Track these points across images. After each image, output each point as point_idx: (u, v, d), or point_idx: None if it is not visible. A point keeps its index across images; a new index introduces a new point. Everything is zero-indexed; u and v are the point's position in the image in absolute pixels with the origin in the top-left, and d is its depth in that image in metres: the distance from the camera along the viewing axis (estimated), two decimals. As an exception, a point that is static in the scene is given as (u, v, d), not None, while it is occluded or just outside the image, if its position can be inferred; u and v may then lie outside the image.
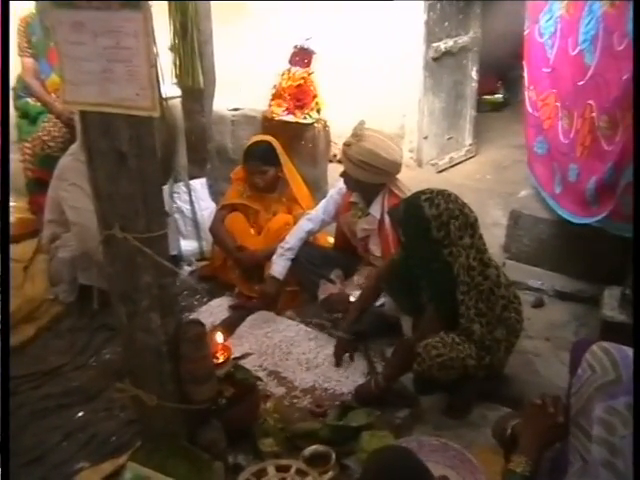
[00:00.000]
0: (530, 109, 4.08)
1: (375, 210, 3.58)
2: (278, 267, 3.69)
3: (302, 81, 4.61)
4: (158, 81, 2.09)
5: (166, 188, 4.22)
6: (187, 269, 4.27)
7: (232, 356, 2.87)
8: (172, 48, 4.23)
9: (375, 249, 3.63)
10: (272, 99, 4.75)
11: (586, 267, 3.77)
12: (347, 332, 3.36)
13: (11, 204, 4.94)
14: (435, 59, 5.36)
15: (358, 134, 3.48)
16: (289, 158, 4.12)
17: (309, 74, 4.64)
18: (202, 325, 2.53)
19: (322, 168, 4.86)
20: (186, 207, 4.46)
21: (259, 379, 3.08)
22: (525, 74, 4.15)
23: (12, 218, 4.76)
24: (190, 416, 2.54)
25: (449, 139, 5.81)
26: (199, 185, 4.56)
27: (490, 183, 5.39)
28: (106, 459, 2.74)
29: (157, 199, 2.32)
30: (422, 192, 2.86)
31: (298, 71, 4.62)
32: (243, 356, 3.29)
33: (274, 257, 3.72)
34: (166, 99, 3.98)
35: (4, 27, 3.41)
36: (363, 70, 5.40)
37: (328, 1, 5.24)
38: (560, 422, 1.94)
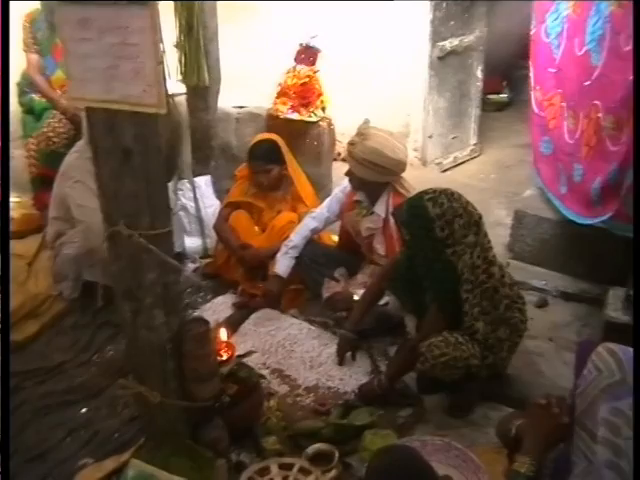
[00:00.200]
0: (536, 109, 4.07)
1: (380, 209, 3.58)
2: (282, 265, 3.69)
3: (307, 79, 4.61)
4: (164, 78, 2.08)
5: (170, 185, 4.22)
6: (191, 266, 4.26)
7: (236, 354, 2.87)
8: (177, 45, 4.22)
9: (379, 248, 3.63)
10: (277, 97, 4.74)
11: (590, 267, 3.76)
12: (350, 331, 3.36)
13: (15, 200, 4.97)
14: (440, 58, 5.35)
15: (363, 133, 3.48)
16: (294, 156, 4.11)
17: (314, 72, 4.63)
18: (206, 323, 2.53)
19: (327, 166, 4.86)
20: (190, 204, 4.46)
21: (262, 377, 3.08)
22: (531, 74, 4.14)
23: (16, 214, 4.76)
24: (193, 414, 2.55)
25: (454, 138, 5.80)
26: (203, 183, 4.56)
27: (494, 182, 5.38)
28: (109, 456, 2.74)
29: (162, 196, 2.32)
30: (425, 192, 2.85)
31: (303, 69, 4.62)
32: (246, 354, 3.29)
33: (278, 255, 3.72)
34: (172, 96, 3.98)
35: (4, 27, 3.41)
36: (368, 69, 5.40)
37: (335, 0, 5.23)
38: (565, 422, 1.93)
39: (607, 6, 3.14)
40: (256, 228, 4.04)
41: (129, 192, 2.19)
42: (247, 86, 5.18)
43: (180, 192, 4.44)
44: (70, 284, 3.80)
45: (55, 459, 2.79)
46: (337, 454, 2.65)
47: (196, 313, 3.70)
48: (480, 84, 5.83)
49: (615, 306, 3.23)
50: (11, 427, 2.87)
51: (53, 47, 4.53)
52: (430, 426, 2.90)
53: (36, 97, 4.73)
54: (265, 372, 3.25)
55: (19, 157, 4.89)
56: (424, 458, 1.91)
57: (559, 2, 3.66)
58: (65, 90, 4.55)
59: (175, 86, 4.21)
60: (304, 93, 4.64)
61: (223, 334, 2.86)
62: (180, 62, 4.27)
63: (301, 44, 4.62)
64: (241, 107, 5.09)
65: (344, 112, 4.86)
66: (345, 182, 3.69)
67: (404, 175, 3.61)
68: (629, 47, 2.92)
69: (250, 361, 3.20)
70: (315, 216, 3.78)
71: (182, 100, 4.53)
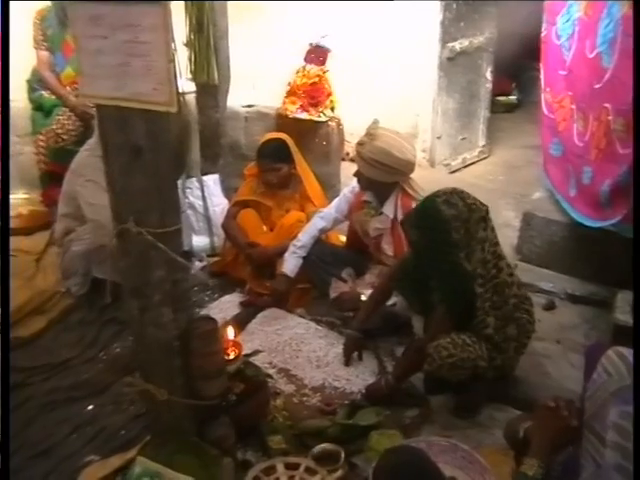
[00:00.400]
0: (546, 111, 4.07)
1: (388, 209, 3.58)
2: (289, 265, 3.69)
3: (317, 79, 4.61)
4: (175, 76, 2.08)
5: (179, 184, 4.22)
6: (198, 265, 4.27)
7: (243, 353, 2.87)
8: (188, 44, 4.23)
9: (387, 248, 3.63)
10: (286, 96, 4.75)
11: (598, 270, 3.75)
12: (357, 330, 3.36)
13: (24, 197, 4.99)
14: (450, 59, 5.34)
15: (372, 133, 3.47)
16: (302, 156, 4.12)
17: (324, 72, 4.63)
18: (214, 321, 2.53)
19: (335, 166, 4.86)
20: (198, 203, 4.47)
21: (269, 376, 3.08)
22: (541, 76, 4.14)
23: (24, 210, 4.79)
24: (199, 411, 2.54)
25: (462, 139, 5.79)
26: (212, 181, 4.56)
27: (502, 184, 5.37)
28: (114, 453, 2.74)
29: (172, 194, 2.33)
30: (436, 195, 2.83)
31: (313, 69, 4.62)
32: (253, 353, 3.28)
33: (286, 255, 3.72)
34: (182, 94, 3.98)
35: (4, 27, 3.41)
36: (377, 69, 5.40)
37: (344, 0, 5.23)
38: (573, 425, 1.93)
39: (619, 8, 3.12)
40: (264, 227, 4.04)
41: (139, 189, 2.18)
42: (257, 85, 5.18)
43: (188, 190, 4.45)
44: (78, 280, 3.80)
45: (60, 455, 2.78)
46: (343, 454, 2.64)
47: (203, 311, 3.70)
48: (489, 85, 5.82)
49: (623, 309, 3.22)
50: (17, 422, 2.89)
51: (63, 44, 4.55)
52: (436, 427, 2.89)
53: (45, 94, 4.75)
54: (271, 371, 3.25)
55: (28, 153, 4.90)
56: (431, 459, 1.91)
57: (570, 4, 3.65)
58: (74, 87, 4.57)
59: (185, 84, 4.21)
60: (313, 93, 4.63)
61: (230, 333, 2.86)
62: (190, 60, 4.28)
63: (311, 44, 4.62)
64: (250, 106, 5.09)
65: (353, 112, 4.86)
66: (353, 182, 3.69)
67: (412, 176, 3.60)
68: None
69: (256, 360, 3.19)
70: (323, 216, 3.78)
71: (191, 98, 4.54)
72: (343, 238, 4.06)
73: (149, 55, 2.01)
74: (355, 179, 3.64)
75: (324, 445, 2.68)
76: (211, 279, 4.08)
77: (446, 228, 2.74)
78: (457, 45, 5.35)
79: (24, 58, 4.67)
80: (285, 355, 3.42)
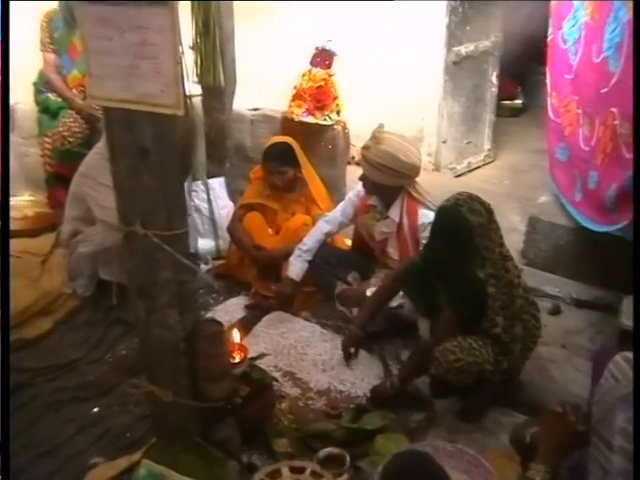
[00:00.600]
0: (552, 115, 4.07)
1: (394, 213, 3.57)
2: (295, 268, 3.69)
3: (323, 82, 4.61)
4: (182, 79, 2.08)
5: (185, 186, 4.23)
6: (203, 267, 4.26)
7: (248, 356, 2.87)
8: (194, 46, 4.23)
9: (393, 252, 3.62)
10: (292, 100, 4.74)
11: (604, 275, 3.75)
12: (358, 327, 3.36)
13: (30, 199, 5.00)
14: (455, 63, 5.33)
15: (377, 137, 3.47)
16: (308, 159, 4.12)
17: (330, 76, 4.63)
18: (220, 324, 2.53)
19: (341, 169, 4.85)
20: (204, 206, 4.47)
21: (274, 379, 3.07)
22: (547, 80, 4.14)
23: (30, 212, 4.81)
24: (205, 413, 2.54)
25: (468, 143, 5.78)
26: (217, 184, 4.57)
27: (508, 188, 5.36)
28: (120, 454, 2.75)
29: (178, 196, 2.33)
30: (458, 204, 2.81)
31: (319, 72, 4.62)
32: (259, 356, 3.28)
33: (291, 258, 3.71)
34: (189, 97, 3.99)
35: (4, 27, 3.43)
36: (383, 73, 5.39)
37: (350, 1, 5.23)
38: (581, 430, 1.93)
39: (626, 13, 3.12)
40: (270, 230, 4.05)
41: (146, 190, 2.18)
42: (262, 88, 5.19)
43: (194, 193, 4.46)
44: (84, 282, 3.81)
45: (65, 455, 2.79)
46: (348, 458, 2.64)
47: (209, 314, 3.70)
48: (495, 89, 5.80)
49: (629, 314, 3.20)
50: (22, 422, 2.91)
51: (70, 46, 4.56)
52: (442, 430, 2.90)
53: (52, 96, 4.75)
54: (277, 374, 3.24)
55: (34, 155, 4.91)
56: (439, 463, 1.90)
57: (577, 9, 3.65)
58: (80, 89, 4.58)
59: (191, 87, 4.22)
60: (319, 96, 4.63)
61: (236, 336, 2.86)
62: (196, 63, 4.28)
63: (317, 47, 4.62)
64: (256, 109, 5.09)
65: (358, 116, 4.85)
66: (359, 186, 3.68)
67: (418, 180, 3.60)
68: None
69: (262, 363, 3.17)
70: (329, 220, 3.78)
71: (197, 101, 4.54)
72: (349, 242, 4.06)
73: (157, 57, 2.02)
74: (360, 183, 3.64)
75: (329, 449, 2.69)
76: (216, 282, 4.08)
77: (471, 236, 2.76)
78: (463, 49, 5.34)
79: (30, 61, 4.68)
80: (290, 358, 3.42)
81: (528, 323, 2.93)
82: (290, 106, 4.76)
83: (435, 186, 4.54)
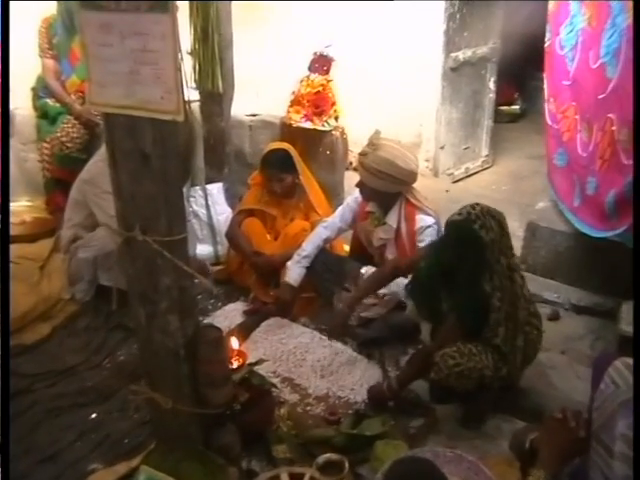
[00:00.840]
0: (550, 121, 4.07)
1: (392, 219, 3.58)
2: (293, 274, 3.69)
3: (321, 88, 4.62)
4: (182, 85, 2.08)
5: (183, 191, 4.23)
6: (202, 273, 4.26)
7: (247, 362, 2.87)
8: (192, 52, 4.24)
9: (391, 258, 3.62)
10: (290, 105, 4.75)
11: (603, 281, 3.75)
12: (347, 307, 3.38)
13: (28, 204, 5.00)
14: (453, 69, 5.34)
15: (374, 143, 3.47)
16: (307, 165, 4.13)
17: (328, 81, 4.64)
18: (219, 330, 2.53)
19: (339, 175, 4.86)
20: (202, 211, 4.48)
21: (273, 385, 3.07)
22: (545, 86, 4.14)
23: (28, 218, 4.80)
24: (205, 419, 2.54)
25: (466, 149, 5.79)
26: (215, 190, 4.57)
27: (506, 194, 5.36)
28: (119, 459, 2.75)
29: (178, 201, 2.33)
30: (470, 219, 2.77)
31: (317, 78, 4.63)
32: (257, 362, 3.28)
33: (289, 264, 3.71)
34: (188, 102, 4.00)
35: (4, 27, 3.43)
36: (381, 78, 5.39)
37: (347, 0, 5.23)
38: (581, 437, 1.92)
39: (624, 19, 3.13)
40: (268, 236, 4.05)
41: (147, 195, 2.19)
42: (261, 94, 5.19)
43: (192, 199, 4.46)
44: (84, 287, 3.81)
45: (66, 461, 2.79)
46: (348, 464, 2.63)
47: (207, 320, 3.69)
48: (493, 95, 5.82)
49: (629, 320, 3.21)
50: (22, 428, 2.91)
51: (69, 52, 4.55)
52: (442, 437, 2.89)
53: (50, 102, 4.74)
54: (275, 380, 3.24)
55: (32, 161, 4.92)
56: (440, 470, 1.90)
57: (574, 15, 3.66)
58: (79, 95, 4.58)
59: (190, 93, 4.22)
60: (318, 102, 4.64)
61: (235, 342, 2.86)
62: (194, 69, 4.29)
63: (315, 53, 4.63)
64: (254, 115, 5.10)
65: (357, 122, 4.86)
66: (357, 192, 3.69)
67: (416, 185, 3.61)
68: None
69: (261, 369, 3.17)
70: (327, 225, 3.77)
71: (195, 106, 4.55)
72: (347, 248, 4.06)
73: (157, 63, 2.03)
74: (358, 189, 3.64)
75: (329, 455, 2.67)
76: (215, 287, 4.08)
77: (482, 252, 2.75)
78: (461, 55, 5.35)
79: (29, 66, 4.68)
80: (289, 364, 3.41)
81: (530, 335, 2.92)
82: (288, 112, 4.77)
83: (433, 192, 4.56)
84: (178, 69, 2.03)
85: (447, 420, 2.98)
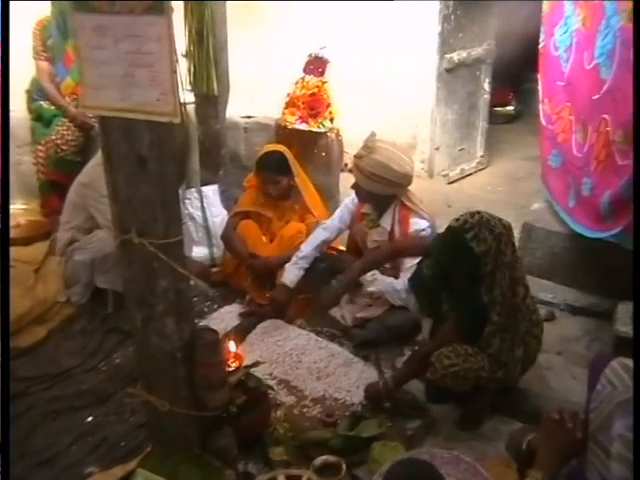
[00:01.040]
0: (544, 122, 4.07)
1: (385, 222, 3.59)
2: (290, 275, 3.68)
3: (316, 90, 4.61)
4: (178, 87, 2.08)
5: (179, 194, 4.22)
6: (198, 275, 4.25)
7: (244, 364, 2.87)
8: (187, 55, 4.23)
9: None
10: (286, 107, 4.74)
11: (599, 281, 3.75)
12: (341, 285, 3.38)
13: (23, 207, 4.99)
14: (448, 70, 5.36)
15: (369, 146, 3.47)
16: (302, 166, 4.13)
17: (323, 83, 4.63)
18: (216, 332, 2.53)
19: (335, 177, 4.85)
20: (198, 214, 4.47)
21: (270, 388, 3.06)
22: (539, 87, 4.15)
23: (23, 221, 4.79)
24: (202, 422, 2.53)
25: (461, 150, 5.80)
26: (211, 192, 4.57)
27: (502, 195, 5.37)
28: (116, 463, 2.74)
29: (175, 204, 2.32)
30: (464, 229, 2.72)
31: (312, 80, 4.62)
32: (254, 364, 3.28)
33: (287, 265, 3.71)
34: (184, 104, 4.00)
35: (4, 27, 3.42)
36: (376, 80, 5.40)
37: (342, 1, 5.23)
38: (579, 438, 1.92)
39: (618, 20, 3.13)
40: (264, 238, 4.04)
41: (143, 198, 2.18)
42: (256, 96, 5.19)
43: (188, 201, 4.45)
44: (80, 290, 3.80)
45: (62, 464, 2.78)
46: (345, 466, 2.63)
47: (203, 322, 3.68)
48: (488, 96, 5.84)
49: (625, 320, 3.22)
50: (18, 431, 2.89)
51: (64, 54, 4.55)
52: (439, 438, 2.89)
53: (45, 104, 4.74)
54: (272, 382, 3.23)
55: (27, 163, 4.91)
56: (439, 472, 1.90)
57: (568, 16, 3.67)
58: (74, 97, 4.57)
59: (185, 95, 4.22)
60: (313, 104, 4.63)
61: (231, 344, 2.86)
62: (189, 71, 4.28)
63: (310, 55, 4.62)
64: (249, 117, 5.10)
65: (352, 123, 4.86)
66: (354, 193, 3.69)
67: (411, 187, 3.61)
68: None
69: (257, 371, 3.16)
70: (326, 227, 3.78)
71: (190, 108, 4.54)
72: (342, 249, 4.05)
73: (152, 65, 2.02)
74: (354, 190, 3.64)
75: (326, 457, 2.67)
76: (211, 289, 4.07)
77: (475, 265, 2.70)
78: (455, 56, 5.37)
79: (23, 68, 4.66)
80: (285, 366, 3.41)
81: (529, 344, 2.90)
82: (284, 114, 4.75)
83: (428, 193, 4.56)
84: (174, 71, 2.03)
85: (444, 422, 2.98)
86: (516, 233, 4.23)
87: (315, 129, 4.66)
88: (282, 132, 4.74)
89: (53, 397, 3.19)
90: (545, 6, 3.99)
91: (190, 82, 4.30)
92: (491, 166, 6.06)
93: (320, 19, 5.35)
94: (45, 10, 4.62)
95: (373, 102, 5.35)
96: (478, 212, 2.80)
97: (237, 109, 4.96)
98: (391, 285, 3.48)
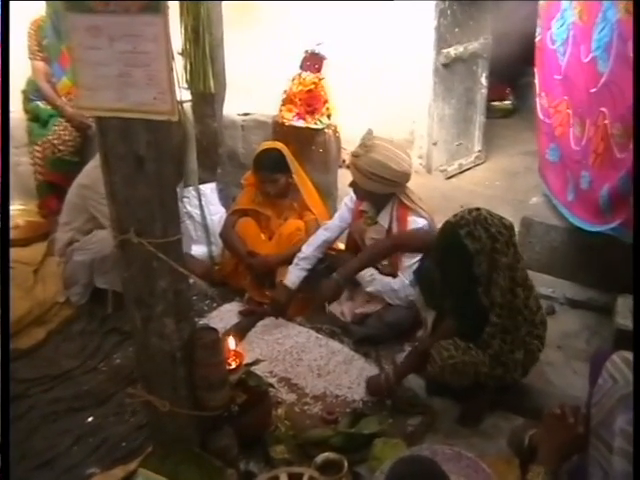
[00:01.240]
0: (542, 116, 4.07)
1: (383, 219, 3.58)
2: (292, 276, 3.67)
3: (313, 86, 4.59)
4: (175, 85, 2.07)
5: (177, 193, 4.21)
6: (196, 274, 4.24)
7: (244, 362, 2.86)
8: (183, 53, 4.22)
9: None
10: (283, 104, 4.73)
11: (598, 275, 3.76)
12: (341, 277, 3.36)
13: (21, 208, 4.98)
14: (445, 65, 5.34)
15: (367, 145, 3.45)
16: (300, 163, 4.12)
17: (320, 79, 4.61)
18: (216, 331, 2.52)
19: (333, 173, 4.84)
20: (196, 212, 4.45)
21: (270, 386, 3.06)
22: (536, 81, 4.14)
23: (21, 222, 4.78)
24: (203, 422, 2.53)
25: (458, 145, 5.79)
26: (209, 190, 4.55)
27: (500, 190, 5.37)
28: (117, 464, 2.74)
29: (173, 203, 2.32)
30: (459, 225, 2.71)
31: (309, 76, 4.60)
32: (254, 362, 3.27)
33: (290, 267, 3.69)
34: (181, 103, 3.98)
35: (4, 27, 3.41)
36: (373, 76, 5.38)
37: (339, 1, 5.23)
38: (580, 433, 1.92)
39: (615, 13, 3.12)
40: (263, 236, 4.04)
41: (142, 199, 2.17)
42: (253, 93, 5.17)
43: (186, 200, 4.44)
44: (79, 290, 3.80)
45: (63, 466, 2.78)
46: (346, 463, 2.62)
47: (203, 321, 3.68)
48: (485, 91, 5.83)
49: (624, 314, 3.21)
50: (19, 433, 2.89)
51: (60, 54, 4.54)
52: (440, 435, 2.89)
53: (42, 104, 4.73)
54: (272, 380, 3.24)
55: (24, 164, 4.89)
56: (442, 469, 1.89)
57: (565, 9, 3.66)
58: (70, 97, 4.56)
59: (181, 93, 4.20)
60: (310, 100, 4.62)
61: (231, 342, 2.85)
62: (185, 69, 4.26)
63: (306, 51, 4.60)
64: (246, 114, 5.09)
65: (349, 119, 4.85)
66: (352, 191, 3.68)
67: (408, 183, 3.60)
68: (637, 54, 2.92)
69: (257, 369, 3.15)
70: (328, 227, 3.78)
71: (187, 107, 4.53)
72: (342, 247, 4.04)
73: (149, 65, 2.01)
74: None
75: (327, 454, 2.66)
76: (210, 288, 4.06)
77: (469, 263, 2.68)
78: (452, 51, 5.36)
79: (20, 69, 4.65)
80: (286, 364, 3.41)
81: (530, 345, 2.87)
82: (281, 110, 4.74)
83: (426, 188, 4.56)
84: (171, 69, 2.02)
85: (445, 418, 2.98)
86: (515, 228, 4.25)
87: (312, 126, 4.64)
88: (279, 129, 4.73)
89: (53, 398, 3.18)
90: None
91: (186, 80, 4.29)
92: (489, 161, 6.05)
93: (317, 15, 5.32)
94: (40, 10, 4.60)
95: (370, 98, 5.34)
96: (477, 209, 2.78)
97: (234, 107, 4.95)
98: (389, 285, 3.48)
